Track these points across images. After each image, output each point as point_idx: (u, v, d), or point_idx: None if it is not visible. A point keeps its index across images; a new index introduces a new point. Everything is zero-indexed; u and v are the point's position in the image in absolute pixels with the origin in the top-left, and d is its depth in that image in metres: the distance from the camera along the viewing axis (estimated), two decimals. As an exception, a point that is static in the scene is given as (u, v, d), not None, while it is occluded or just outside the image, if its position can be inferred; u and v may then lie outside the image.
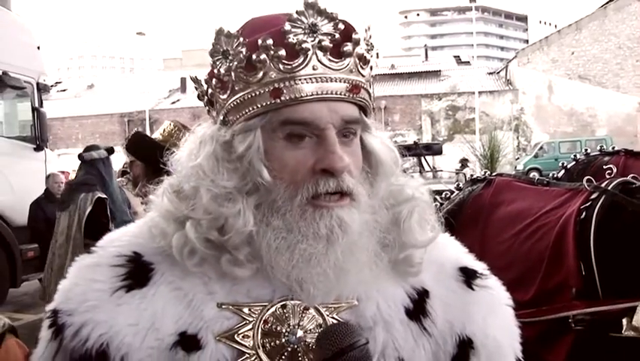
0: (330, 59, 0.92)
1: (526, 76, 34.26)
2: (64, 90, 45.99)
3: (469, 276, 1.05)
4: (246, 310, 0.94)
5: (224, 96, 0.96)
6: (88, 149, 5.70)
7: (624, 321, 1.96)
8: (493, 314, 1.03)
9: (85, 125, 38.25)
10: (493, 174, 3.18)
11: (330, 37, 0.91)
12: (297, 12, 0.91)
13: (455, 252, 1.10)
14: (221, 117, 0.98)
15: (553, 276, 2.23)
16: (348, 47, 0.93)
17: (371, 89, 1.00)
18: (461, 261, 1.08)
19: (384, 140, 1.03)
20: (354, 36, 0.94)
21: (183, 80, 41.85)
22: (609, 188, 2.22)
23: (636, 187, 2.23)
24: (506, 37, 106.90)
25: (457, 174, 15.47)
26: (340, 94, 0.93)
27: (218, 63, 0.96)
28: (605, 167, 2.87)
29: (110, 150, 5.71)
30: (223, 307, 0.94)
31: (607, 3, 35.75)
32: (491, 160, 21.59)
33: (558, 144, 28.48)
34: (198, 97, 1.04)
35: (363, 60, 0.96)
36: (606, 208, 2.18)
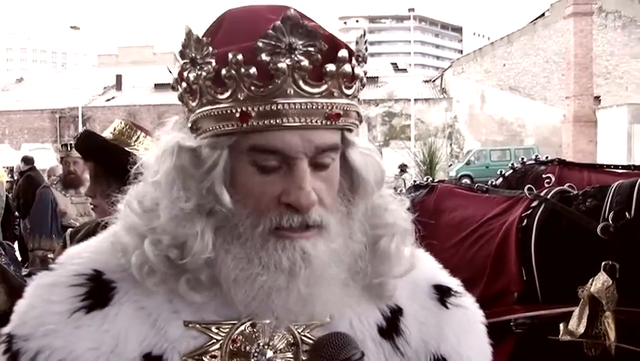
0: (307, 83, 0.83)
1: (460, 85, 35.31)
2: (-11, 83, 43.82)
3: (443, 294, 1.03)
4: (214, 328, 0.90)
5: (193, 104, 0.88)
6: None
7: (561, 326, 2.04)
8: (467, 334, 1.02)
9: (13, 121, 36.58)
10: (436, 180, 3.24)
11: (310, 58, 0.82)
12: (273, 27, 0.80)
13: (429, 268, 1.07)
14: (190, 124, 0.90)
15: (496, 281, 2.29)
16: (331, 67, 0.84)
17: (358, 101, 0.91)
18: (435, 278, 1.06)
19: (370, 154, 0.96)
20: (339, 54, 0.84)
21: (119, 77, 40.77)
22: (548, 197, 2.32)
23: (573, 196, 2.33)
24: (442, 47, 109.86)
25: (396, 179, 15.76)
26: (316, 122, 0.84)
27: (186, 67, 0.87)
28: (543, 176, 2.98)
29: None
30: (190, 325, 0.90)
31: (536, 19, 37.37)
32: (430, 166, 22.13)
33: (489, 152, 29.52)
34: (172, 87, 0.94)
35: (349, 78, 0.87)
36: (546, 216, 2.26)
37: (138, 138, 2.14)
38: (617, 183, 2.17)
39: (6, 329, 0.90)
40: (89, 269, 0.92)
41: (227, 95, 0.83)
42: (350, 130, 0.92)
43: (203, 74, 0.84)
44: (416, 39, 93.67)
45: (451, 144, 34.20)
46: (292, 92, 0.82)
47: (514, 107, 34.21)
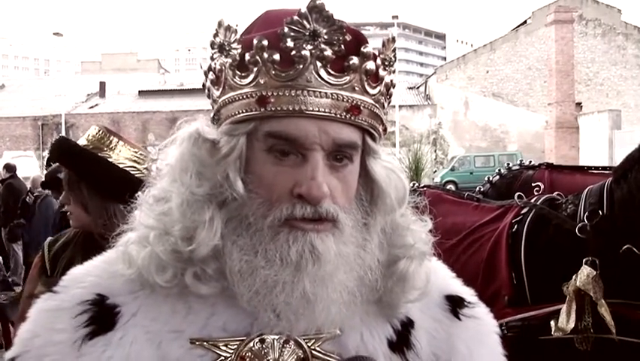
0: (329, 73, 0.83)
1: (444, 92, 35.57)
2: (-30, 90, 43.29)
3: (456, 305, 1.01)
4: (221, 345, 0.88)
5: (218, 93, 0.90)
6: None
7: (552, 323, 2.12)
8: (480, 346, 0.99)
9: (-6, 128, 36.16)
10: (422, 185, 3.26)
11: (333, 48, 0.83)
12: (299, 14, 0.82)
13: (442, 277, 1.05)
14: (213, 114, 0.91)
15: (488, 286, 2.35)
16: (354, 60, 0.84)
17: (383, 109, 0.91)
18: (448, 288, 1.04)
19: (394, 170, 0.95)
20: (363, 49, 0.85)
21: (102, 84, 40.44)
22: (537, 203, 2.41)
23: (560, 203, 2.43)
24: (425, 54, 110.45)
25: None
26: (335, 114, 0.84)
27: (215, 56, 0.89)
28: (533, 184, 3.04)
29: None
30: (196, 343, 0.87)
31: (518, 26, 37.86)
32: (416, 172, 22.24)
33: (473, 158, 29.72)
34: (203, 86, 0.96)
35: (373, 77, 0.87)
36: (534, 222, 2.34)
37: (111, 143, 2.12)
38: (588, 188, 2.29)
39: (10, 354, 0.89)
40: (92, 294, 0.91)
41: (249, 80, 0.85)
42: (372, 136, 0.91)
43: (229, 61, 0.86)
44: (400, 46, 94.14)
45: (435, 150, 34.37)
46: (313, 79, 0.83)
47: (497, 113, 34.54)
